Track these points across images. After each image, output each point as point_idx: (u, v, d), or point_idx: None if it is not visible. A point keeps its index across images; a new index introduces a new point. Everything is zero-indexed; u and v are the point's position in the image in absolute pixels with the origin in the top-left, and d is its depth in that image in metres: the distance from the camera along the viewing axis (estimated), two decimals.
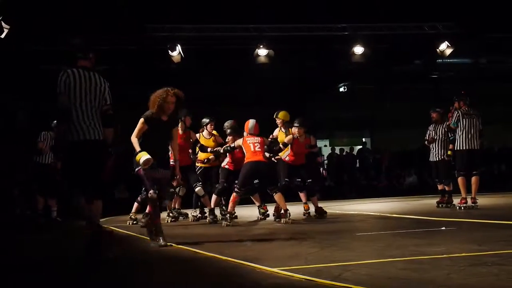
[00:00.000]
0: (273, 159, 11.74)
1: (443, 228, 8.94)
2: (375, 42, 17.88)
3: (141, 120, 8.04)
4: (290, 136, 11.65)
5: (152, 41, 17.09)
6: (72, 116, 6.67)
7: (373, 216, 12.17)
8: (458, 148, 12.45)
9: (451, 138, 12.90)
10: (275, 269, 5.61)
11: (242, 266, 6.02)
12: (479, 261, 5.67)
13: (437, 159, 13.16)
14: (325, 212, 12.05)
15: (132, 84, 21.34)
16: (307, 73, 23.05)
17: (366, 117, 25.61)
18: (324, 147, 27.41)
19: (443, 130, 13.10)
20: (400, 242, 7.44)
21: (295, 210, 12.51)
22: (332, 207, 15.14)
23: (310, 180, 11.97)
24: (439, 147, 13.15)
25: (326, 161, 25.83)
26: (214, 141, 12.19)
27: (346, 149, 25.59)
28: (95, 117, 6.77)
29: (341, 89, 25.28)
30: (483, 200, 12.98)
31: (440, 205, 13.23)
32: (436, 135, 13.16)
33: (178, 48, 16.38)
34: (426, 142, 13.43)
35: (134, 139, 8.02)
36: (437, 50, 17.60)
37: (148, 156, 7.74)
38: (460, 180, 12.43)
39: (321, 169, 12.13)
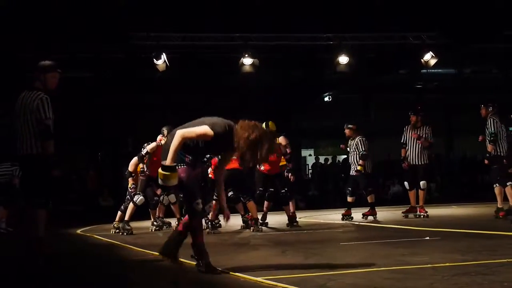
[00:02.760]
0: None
1: (427, 238, 8.97)
2: (359, 51, 17.92)
3: (209, 131, 6.13)
4: None
5: (137, 49, 17.07)
6: (17, 134, 7.31)
7: (358, 225, 12.20)
8: (426, 162, 13.12)
9: (361, 153, 13.07)
10: (259, 278, 5.60)
11: (225, 276, 6.01)
12: (462, 270, 5.69)
13: (353, 173, 13.28)
14: (296, 222, 12.15)
15: (117, 92, 21.35)
16: (292, 82, 23.09)
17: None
18: (309, 156, 27.44)
19: (355, 145, 13.22)
20: (385, 252, 7.46)
21: (280, 219, 12.54)
22: (317, 217, 15.17)
23: (285, 189, 12.03)
24: (353, 162, 13.27)
25: (310, 170, 25.89)
26: None
27: (331, 158, 25.66)
28: (32, 133, 7.22)
29: (326, 99, 25.31)
30: (467, 210, 13.06)
31: (346, 217, 13.21)
32: (351, 150, 13.26)
33: (163, 56, 16.36)
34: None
35: (178, 141, 6.08)
36: (422, 60, 17.66)
37: (176, 183, 6.16)
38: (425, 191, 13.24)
39: (289, 174, 12.23)
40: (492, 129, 12.20)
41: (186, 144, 6.15)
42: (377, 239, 9.20)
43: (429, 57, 17.50)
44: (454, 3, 16.66)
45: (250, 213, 11.89)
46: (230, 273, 6.05)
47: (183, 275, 6.31)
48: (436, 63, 17.65)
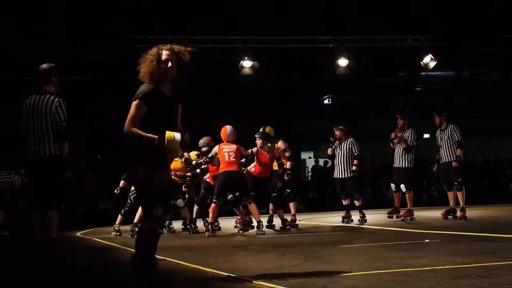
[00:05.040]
0: (244, 170, 11.77)
1: (427, 240, 8.96)
2: (359, 54, 17.93)
3: (136, 102, 5.58)
4: (255, 148, 11.69)
5: (135, 52, 17.04)
6: (27, 138, 7.44)
7: (357, 228, 12.18)
8: (410, 166, 13.21)
9: (355, 154, 13.12)
10: (259, 281, 5.59)
11: (225, 278, 5.99)
12: (462, 273, 5.67)
13: (345, 176, 13.22)
14: (294, 225, 12.17)
15: (116, 94, 21.33)
16: (291, 85, 23.08)
17: (349, 129, 25.63)
18: (309, 159, 27.42)
19: (348, 146, 13.23)
20: (385, 254, 7.45)
21: (279, 222, 12.52)
22: (316, 219, 15.16)
23: (275, 193, 12.02)
24: (345, 163, 13.22)
25: (310, 173, 25.87)
26: (183, 163, 12.19)
27: (330, 161, 25.61)
28: (46, 136, 7.40)
29: (325, 101, 25.30)
30: (467, 212, 13.06)
31: (346, 220, 13.27)
32: (341, 151, 13.26)
33: None
34: (329, 150, 13.61)
35: (131, 130, 5.50)
36: (421, 62, 17.66)
37: (178, 138, 5.52)
38: (410, 194, 13.26)
39: (284, 174, 12.24)
40: (459, 137, 13.01)
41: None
42: (376, 242, 9.20)
43: (428, 60, 17.52)
44: (454, 6, 16.67)
45: (249, 216, 11.90)
46: (230, 275, 6.03)
47: (180, 277, 6.29)
48: (435, 65, 17.66)
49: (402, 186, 13.19)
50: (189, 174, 12.16)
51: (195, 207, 12.10)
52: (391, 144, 13.46)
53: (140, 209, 11.71)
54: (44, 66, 7.67)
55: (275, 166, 12.04)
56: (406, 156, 13.20)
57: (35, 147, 7.38)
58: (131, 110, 5.57)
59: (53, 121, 7.38)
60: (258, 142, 11.68)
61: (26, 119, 7.48)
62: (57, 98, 7.47)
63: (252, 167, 11.79)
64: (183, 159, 12.05)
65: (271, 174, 12.04)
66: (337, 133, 13.33)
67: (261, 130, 12.05)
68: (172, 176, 12.27)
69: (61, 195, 7.52)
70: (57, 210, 7.38)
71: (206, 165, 11.92)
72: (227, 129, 11.39)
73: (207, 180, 12.12)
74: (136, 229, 11.59)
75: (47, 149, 7.36)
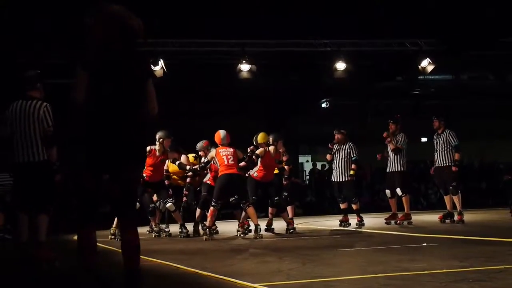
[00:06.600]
0: (246, 175, 11.75)
1: (425, 244, 8.96)
2: (357, 58, 17.92)
3: (79, 72, 4.66)
4: (261, 149, 11.65)
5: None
6: (14, 142, 7.52)
7: (355, 231, 12.19)
8: (403, 169, 13.28)
9: (353, 158, 13.20)
10: (256, 285, 5.58)
11: (223, 282, 5.99)
12: (460, 277, 5.68)
13: (343, 180, 13.25)
14: (293, 228, 12.12)
15: None
16: (289, 89, 23.08)
17: (348, 133, 25.63)
18: (306, 162, 27.41)
19: (346, 150, 13.28)
20: (382, 258, 7.44)
21: (277, 225, 12.52)
22: (314, 223, 15.16)
23: (277, 198, 11.99)
24: (343, 167, 13.25)
25: (307, 176, 25.86)
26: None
27: (328, 164, 25.61)
28: (34, 140, 7.48)
29: (323, 105, 25.30)
30: (465, 216, 13.08)
31: (343, 224, 13.28)
32: (339, 155, 13.29)
33: (161, 62, 16.33)
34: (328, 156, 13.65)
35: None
36: (419, 66, 17.67)
37: None
38: (406, 198, 13.29)
39: (282, 179, 12.26)
40: (456, 141, 13.12)
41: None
42: (374, 246, 9.20)
43: (426, 64, 17.50)
44: (452, 11, 16.68)
45: (247, 219, 11.88)
46: (227, 279, 6.03)
47: (176, 280, 6.29)
48: (433, 69, 17.67)
49: (398, 190, 13.20)
50: (189, 174, 12.13)
51: (197, 210, 12.00)
52: (385, 152, 13.57)
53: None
54: (30, 72, 7.77)
55: (275, 170, 12.06)
56: (399, 160, 13.26)
57: (23, 151, 7.46)
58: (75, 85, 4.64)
59: (41, 126, 7.47)
60: (271, 144, 11.71)
61: (11, 124, 7.55)
62: (44, 103, 7.57)
63: (255, 172, 11.73)
64: (176, 164, 12.04)
65: (273, 178, 12.03)
66: (338, 136, 13.38)
67: (254, 139, 11.99)
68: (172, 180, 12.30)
69: (51, 199, 7.58)
70: (47, 214, 7.45)
71: (203, 170, 11.92)
72: (220, 133, 11.38)
73: (208, 182, 12.08)
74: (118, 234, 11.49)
75: (35, 154, 7.45)
